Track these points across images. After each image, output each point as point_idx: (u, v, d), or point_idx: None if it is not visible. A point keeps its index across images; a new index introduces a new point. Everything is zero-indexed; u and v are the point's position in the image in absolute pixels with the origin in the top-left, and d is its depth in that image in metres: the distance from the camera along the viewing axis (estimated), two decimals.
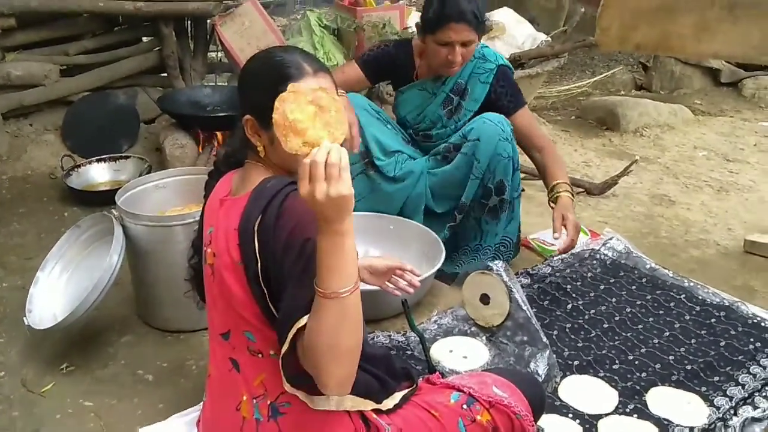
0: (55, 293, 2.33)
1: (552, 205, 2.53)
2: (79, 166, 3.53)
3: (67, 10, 3.72)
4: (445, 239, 2.57)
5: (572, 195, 2.53)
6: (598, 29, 1.78)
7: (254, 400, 1.38)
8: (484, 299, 2.24)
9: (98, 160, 3.58)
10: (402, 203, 2.68)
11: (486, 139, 2.47)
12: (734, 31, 1.41)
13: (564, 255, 2.70)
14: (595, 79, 5.59)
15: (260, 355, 1.37)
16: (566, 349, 2.22)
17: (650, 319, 2.38)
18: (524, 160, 2.66)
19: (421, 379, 1.62)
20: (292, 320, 1.21)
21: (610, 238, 2.87)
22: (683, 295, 2.50)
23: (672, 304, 2.46)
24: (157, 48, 4.08)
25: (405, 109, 2.74)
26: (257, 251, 1.28)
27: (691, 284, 2.57)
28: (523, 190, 2.71)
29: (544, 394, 1.66)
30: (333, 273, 1.16)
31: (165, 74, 4.14)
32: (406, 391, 1.50)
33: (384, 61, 2.70)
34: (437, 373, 1.65)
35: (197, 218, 1.64)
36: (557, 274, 2.65)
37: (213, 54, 4.52)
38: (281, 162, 1.38)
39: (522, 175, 2.69)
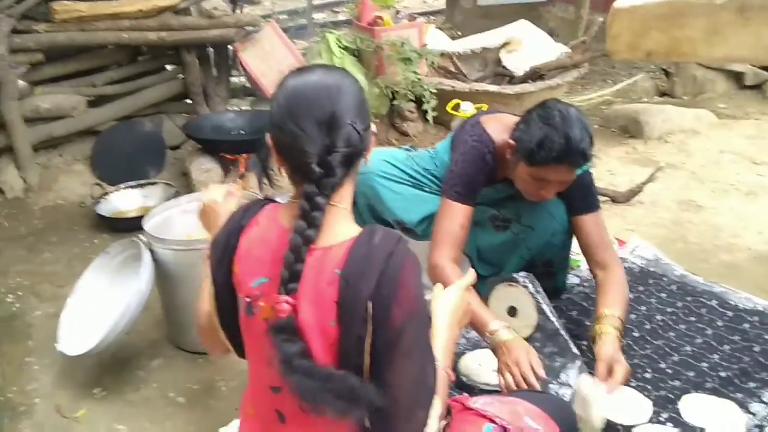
0: (86, 320, 2.36)
1: (595, 339, 2.03)
2: (108, 193, 3.60)
3: (93, 43, 3.81)
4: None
5: (621, 335, 2.01)
6: (608, 38, 1.78)
7: None
8: (512, 311, 2.22)
9: (126, 188, 3.66)
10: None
11: (540, 230, 2.31)
12: (745, 34, 1.39)
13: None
14: (616, 87, 5.56)
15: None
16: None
17: (682, 326, 2.35)
18: None
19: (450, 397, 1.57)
20: (423, 402, 1.23)
21: (638, 246, 2.85)
22: (714, 301, 2.46)
23: (703, 310, 2.43)
24: (181, 76, 4.16)
25: None
26: (370, 322, 1.17)
27: (723, 289, 2.53)
28: None
29: (575, 419, 1.63)
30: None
31: (189, 101, 4.22)
32: (442, 423, 1.40)
33: (482, 180, 2.22)
34: (465, 395, 1.60)
35: None
36: (585, 284, 2.62)
37: (235, 79, 4.59)
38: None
39: None
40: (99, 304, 2.40)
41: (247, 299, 1.26)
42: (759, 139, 4.38)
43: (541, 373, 1.86)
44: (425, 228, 2.38)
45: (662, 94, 5.51)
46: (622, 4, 1.70)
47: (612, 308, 2.06)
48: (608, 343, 1.95)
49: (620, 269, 2.22)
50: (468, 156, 2.19)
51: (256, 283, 1.25)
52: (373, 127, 1.29)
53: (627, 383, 1.95)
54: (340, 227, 1.23)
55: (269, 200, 1.38)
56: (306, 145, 1.20)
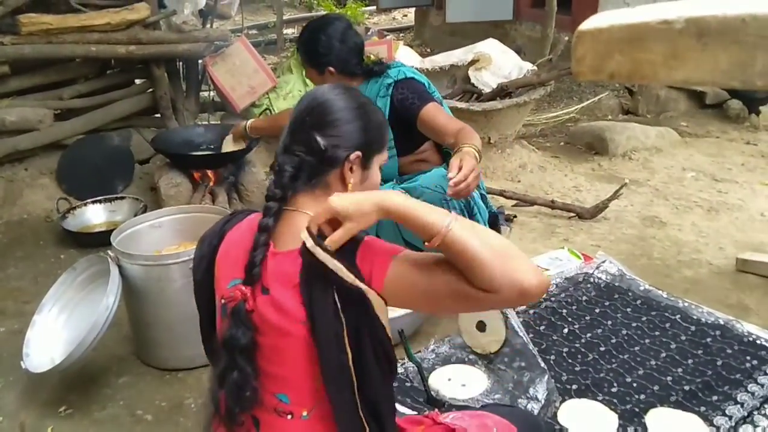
0: (52, 336, 2.33)
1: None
2: (74, 208, 3.55)
3: (60, 55, 3.77)
4: None
5: (478, 154, 2.23)
6: (573, 59, 1.82)
7: None
8: (481, 326, 2.25)
9: (94, 202, 3.61)
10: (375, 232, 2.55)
11: (424, 176, 2.49)
12: (703, 58, 1.45)
13: (559, 280, 2.72)
14: (582, 105, 5.67)
15: (289, 416, 1.28)
16: (564, 374, 2.22)
17: (646, 341, 2.40)
18: (513, 187, 2.67)
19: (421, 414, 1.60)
20: None
21: (603, 261, 2.90)
22: (678, 316, 2.52)
23: (667, 324, 2.48)
24: (150, 90, 4.13)
25: None
26: (341, 313, 1.20)
27: (686, 304, 2.59)
28: (514, 216, 2.71)
29: (543, 430, 1.65)
30: (421, 225, 1.16)
31: (158, 115, 4.19)
32: None
33: None
34: (436, 411, 1.63)
35: (192, 256, 1.49)
36: (552, 299, 2.66)
37: (205, 93, 4.58)
38: None
39: (513, 202, 2.66)
40: (65, 320, 2.37)
41: (222, 300, 1.29)
42: (720, 157, 4.50)
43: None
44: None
45: (626, 112, 5.64)
46: (586, 27, 1.75)
47: (467, 141, 2.26)
48: (457, 154, 2.18)
49: (470, 128, 2.41)
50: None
51: (231, 284, 1.29)
52: (354, 155, 1.32)
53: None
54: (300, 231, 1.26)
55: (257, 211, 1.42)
56: (278, 147, 1.34)
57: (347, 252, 1.21)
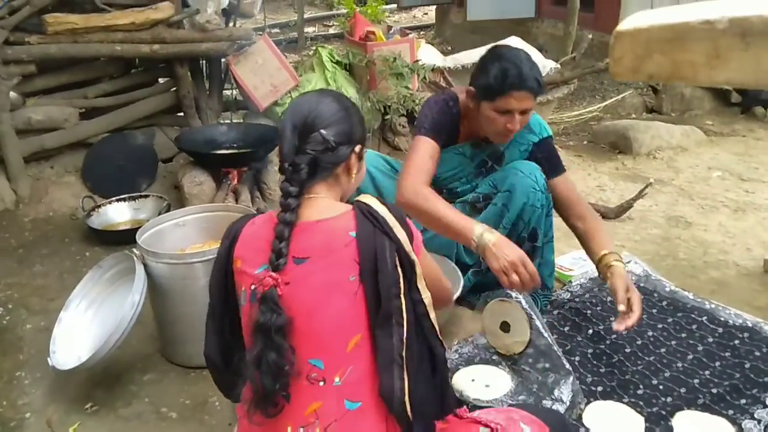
0: (78, 333, 2.35)
1: (606, 275, 2.24)
2: (99, 206, 3.59)
3: (86, 55, 3.81)
4: (471, 285, 2.52)
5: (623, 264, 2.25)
6: (610, 60, 1.80)
7: (301, 429, 1.36)
8: (505, 327, 2.23)
9: (118, 200, 3.64)
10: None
11: (519, 190, 2.37)
12: (746, 58, 1.43)
13: (583, 280, 2.70)
14: (605, 103, 5.62)
15: (321, 383, 1.36)
16: (589, 375, 2.20)
17: (673, 342, 2.36)
18: None
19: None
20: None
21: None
22: (705, 317, 2.48)
23: (694, 326, 2.44)
24: (173, 88, 4.16)
25: (439, 169, 2.47)
26: (399, 267, 1.40)
27: (713, 306, 2.55)
28: None
29: (569, 428, 1.66)
30: None
31: (182, 113, 4.22)
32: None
33: (448, 124, 2.43)
34: (464, 407, 1.65)
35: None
36: (576, 300, 2.64)
37: (228, 92, 4.60)
38: (354, 189, 1.59)
39: None
40: (92, 317, 2.39)
41: (252, 286, 1.38)
42: (746, 156, 4.43)
43: (536, 274, 2.02)
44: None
45: (650, 110, 5.58)
46: (624, 27, 1.73)
47: (607, 248, 2.30)
48: (619, 276, 2.18)
49: (598, 217, 2.50)
50: (432, 105, 2.43)
51: (260, 269, 1.39)
52: (358, 148, 1.52)
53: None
54: (331, 206, 1.46)
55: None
56: (284, 146, 1.46)
57: (405, 228, 1.44)
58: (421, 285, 1.44)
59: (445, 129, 2.40)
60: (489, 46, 2.59)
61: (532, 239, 2.45)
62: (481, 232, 2.06)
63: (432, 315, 1.47)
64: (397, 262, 1.39)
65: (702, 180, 4.07)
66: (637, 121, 5.05)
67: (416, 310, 1.43)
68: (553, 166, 2.47)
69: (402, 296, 1.38)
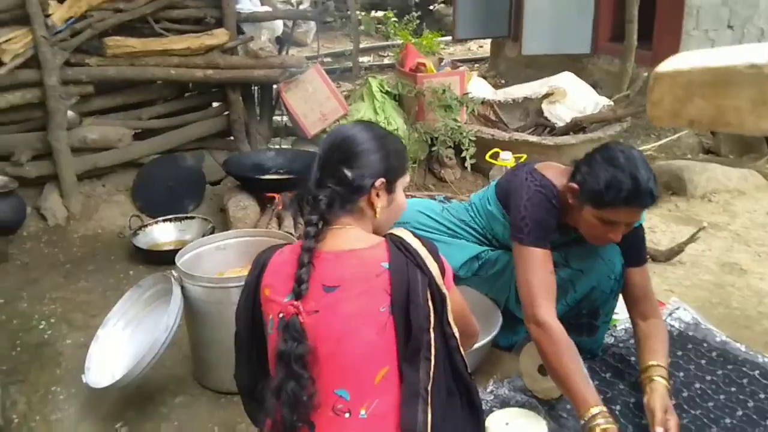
0: (114, 352, 2.37)
1: (645, 389, 2.07)
2: (145, 225, 3.65)
3: (142, 78, 3.92)
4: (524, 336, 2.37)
5: (669, 384, 2.07)
6: (648, 103, 1.73)
7: None
8: (543, 370, 2.16)
9: (164, 220, 3.71)
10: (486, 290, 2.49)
11: (591, 274, 2.26)
12: None
13: (628, 324, 2.60)
14: (660, 142, 5.48)
15: (347, 415, 1.35)
16: (630, 426, 2.11)
17: (721, 397, 2.25)
18: None
19: None
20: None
21: (677, 308, 2.76)
22: (757, 371, 2.36)
23: (745, 380, 2.32)
24: (225, 113, 4.24)
25: None
26: (430, 300, 1.40)
27: (766, 359, 2.43)
28: None
29: None
30: None
31: (232, 138, 4.28)
32: None
33: (553, 225, 2.16)
34: None
35: None
36: (620, 345, 2.54)
37: (278, 118, 4.66)
38: (385, 222, 1.56)
39: None
40: (128, 337, 2.41)
41: (280, 314, 1.38)
42: None
43: None
44: (466, 272, 2.43)
45: (707, 151, 5.41)
46: (664, 69, 1.66)
47: (657, 358, 2.12)
48: (659, 395, 2.00)
49: (661, 320, 2.27)
50: (535, 200, 2.13)
51: (288, 298, 1.40)
52: (379, 182, 1.49)
53: None
54: (362, 236, 1.47)
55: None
56: (309, 180, 1.51)
57: (437, 261, 1.44)
58: (451, 318, 1.44)
59: (552, 229, 2.16)
60: (595, 142, 2.38)
61: (592, 316, 2.38)
62: (596, 413, 1.84)
63: (462, 350, 1.47)
64: (429, 296, 1.39)
65: (760, 226, 3.90)
66: (693, 162, 4.90)
67: (448, 344, 1.43)
68: (635, 256, 2.26)
69: (432, 330, 1.38)
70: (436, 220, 2.50)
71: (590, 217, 2.04)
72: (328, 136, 1.57)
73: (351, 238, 1.46)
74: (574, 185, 2.05)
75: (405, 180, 1.60)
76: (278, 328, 1.39)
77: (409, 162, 1.66)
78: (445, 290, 1.43)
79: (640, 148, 5.31)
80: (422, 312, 1.37)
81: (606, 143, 2.12)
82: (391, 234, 1.47)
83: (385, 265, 1.39)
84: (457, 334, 1.45)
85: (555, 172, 2.20)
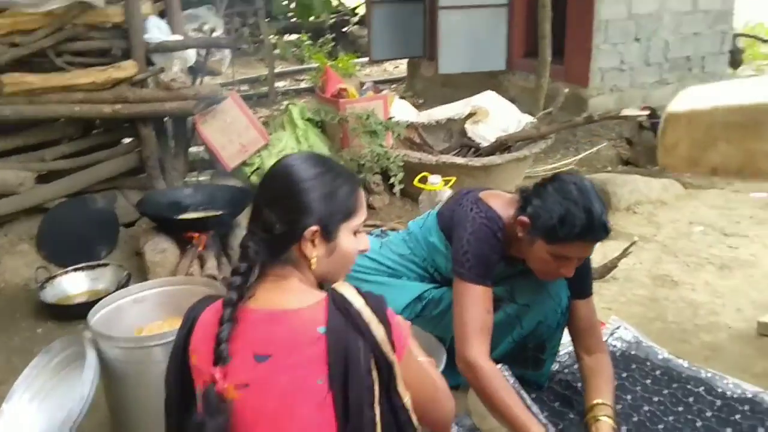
0: (24, 427, 2.12)
1: (591, 429, 2.03)
2: (54, 277, 3.35)
3: (43, 116, 3.64)
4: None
5: (615, 423, 2.03)
6: (660, 148, 1.58)
7: None
8: None
9: (75, 270, 3.41)
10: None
11: (537, 309, 2.19)
12: None
13: (571, 348, 2.54)
14: (580, 156, 5.57)
15: None
16: None
17: (670, 418, 2.22)
18: None
19: None
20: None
21: (618, 327, 2.73)
22: (702, 388, 2.34)
23: (691, 399, 2.30)
24: (137, 149, 3.99)
25: None
26: (374, 369, 1.24)
27: (709, 375, 2.41)
28: None
29: None
30: None
31: (145, 175, 4.03)
32: None
33: (496, 259, 2.08)
34: None
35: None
36: (566, 371, 2.49)
37: (194, 149, 4.44)
38: (330, 272, 1.35)
39: None
40: (37, 408, 2.16)
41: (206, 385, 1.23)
42: (726, 209, 4.36)
43: None
44: (409, 314, 2.29)
45: (626, 162, 5.52)
46: (678, 108, 1.48)
47: (602, 396, 2.06)
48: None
49: (606, 355, 2.21)
50: (480, 234, 2.04)
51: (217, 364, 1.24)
52: (310, 231, 1.29)
53: None
54: (301, 292, 1.29)
55: None
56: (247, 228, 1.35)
57: (384, 323, 1.25)
58: (401, 387, 1.27)
59: (495, 265, 2.07)
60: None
61: (539, 350, 2.31)
62: None
63: (414, 419, 1.30)
64: (372, 365, 1.22)
65: (684, 236, 3.97)
66: (614, 174, 4.98)
67: (397, 418, 1.26)
68: (580, 288, 2.20)
69: (376, 404, 1.21)
70: (375, 260, 2.38)
71: (542, 253, 1.96)
72: (270, 167, 1.39)
73: (286, 295, 1.28)
74: (525, 219, 1.96)
75: (354, 223, 1.37)
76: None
77: (362, 201, 1.42)
78: (392, 357, 1.25)
79: (561, 162, 5.38)
80: (362, 385, 1.20)
81: (557, 173, 2.05)
82: (333, 290, 1.28)
83: (322, 329, 1.21)
84: (409, 405, 1.29)
85: (501, 202, 2.11)
